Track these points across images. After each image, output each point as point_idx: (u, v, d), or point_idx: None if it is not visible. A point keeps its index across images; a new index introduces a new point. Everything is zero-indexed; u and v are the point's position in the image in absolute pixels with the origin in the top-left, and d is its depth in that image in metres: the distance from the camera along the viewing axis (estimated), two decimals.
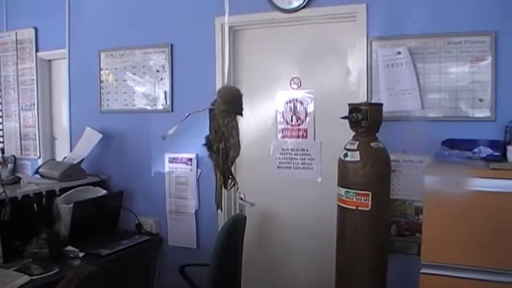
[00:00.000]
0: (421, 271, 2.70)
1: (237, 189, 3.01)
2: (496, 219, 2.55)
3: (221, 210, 3.06)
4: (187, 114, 3.31)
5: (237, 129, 2.84)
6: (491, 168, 2.60)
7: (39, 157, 4.93)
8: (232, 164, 2.90)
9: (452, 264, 2.63)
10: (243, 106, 2.91)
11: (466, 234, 2.61)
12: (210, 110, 2.94)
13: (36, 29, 4.85)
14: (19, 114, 5.06)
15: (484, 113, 3.15)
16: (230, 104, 2.81)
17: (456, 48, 3.20)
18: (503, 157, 2.82)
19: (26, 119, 5.02)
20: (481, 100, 3.16)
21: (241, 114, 2.87)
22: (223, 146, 2.81)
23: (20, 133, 5.07)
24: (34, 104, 4.94)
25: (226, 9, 3.13)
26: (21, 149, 5.06)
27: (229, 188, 3.01)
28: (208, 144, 2.92)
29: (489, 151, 2.91)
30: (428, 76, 3.29)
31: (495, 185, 2.53)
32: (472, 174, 2.60)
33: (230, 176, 2.92)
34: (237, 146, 2.82)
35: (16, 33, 4.97)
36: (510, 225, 2.52)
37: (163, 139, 3.25)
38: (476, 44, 3.15)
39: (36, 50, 4.87)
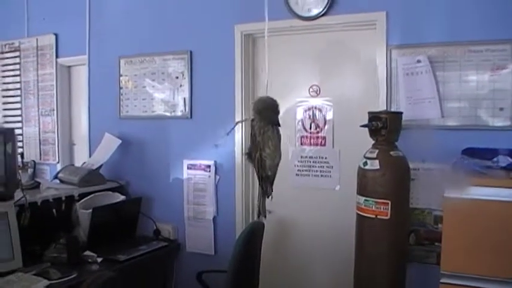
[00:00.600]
0: (441, 281, 2.68)
1: (271, 199, 3.01)
2: None
3: (264, 217, 3.05)
4: (235, 123, 3.41)
5: (273, 139, 2.81)
6: None
7: (58, 162, 4.97)
8: (272, 173, 2.87)
9: (472, 275, 2.60)
10: (278, 115, 2.89)
11: (486, 244, 2.58)
12: (252, 120, 2.95)
13: (56, 35, 4.89)
14: (39, 119, 5.10)
15: (504, 122, 3.13)
16: (262, 114, 2.81)
17: (476, 57, 3.18)
18: None
19: (45, 124, 5.06)
20: (501, 109, 3.13)
21: (277, 124, 2.86)
22: (259, 155, 2.82)
23: (40, 138, 5.11)
24: (53, 110, 4.98)
25: (266, 15, 3.14)
26: (40, 154, 5.10)
27: (268, 195, 3.01)
28: (248, 154, 2.93)
29: (509, 160, 2.89)
30: (448, 84, 3.27)
31: None
32: (493, 183, 2.58)
33: (269, 185, 2.92)
34: (274, 155, 2.82)
35: (37, 40, 5.02)
36: None
37: (216, 147, 3.23)
38: (497, 52, 3.13)
39: (57, 56, 4.91)
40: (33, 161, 4.57)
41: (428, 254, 3.32)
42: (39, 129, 5.10)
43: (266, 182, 2.90)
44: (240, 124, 3.88)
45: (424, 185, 3.32)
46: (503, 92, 3.12)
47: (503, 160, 2.91)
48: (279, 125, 2.89)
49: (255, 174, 3.00)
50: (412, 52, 3.34)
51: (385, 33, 3.41)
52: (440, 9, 3.27)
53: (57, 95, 4.96)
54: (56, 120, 4.98)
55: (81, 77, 4.85)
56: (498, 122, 3.15)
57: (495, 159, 2.93)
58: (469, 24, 3.20)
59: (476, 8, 3.18)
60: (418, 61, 3.31)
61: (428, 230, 3.33)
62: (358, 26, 3.57)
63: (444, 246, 2.72)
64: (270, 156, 2.79)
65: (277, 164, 2.90)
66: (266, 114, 2.81)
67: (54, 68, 4.93)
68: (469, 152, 3.03)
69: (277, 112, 2.87)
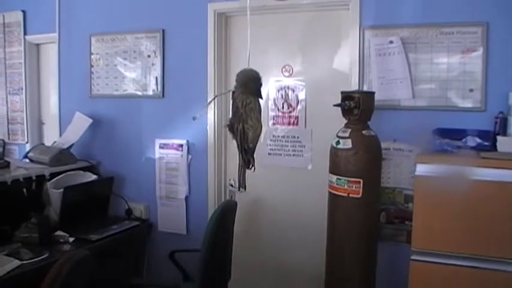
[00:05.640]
0: (412, 258, 2.75)
1: (254, 170, 3.00)
2: (486, 207, 2.59)
3: (244, 189, 3.05)
4: (213, 97, 3.31)
5: (255, 110, 2.81)
6: (482, 158, 2.64)
7: (27, 142, 4.90)
8: (253, 145, 2.88)
9: (442, 252, 2.68)
10: (261, 88, 2.89)
11: (455, 222, 2.65)
12: (233, 93, 2.94)
13: (24, 12, 4.79)
14: (6, 98, 5.02)
15: (474, 103, 3.18)
16: (247, 86, 2.80)
17: (448, 39, 3.22)
18: (493, 147, 2.86)
19: (13, 103, 4.98)
20: (471, 90, 3.18)
21: (259, 96, 2.87)
22: (241, 127, 2.82)
23: (8, 117, 5.03)
24: (22, 88, 4.90)
25: None
26: (8, 134, 5.02)
27: (250, 167, 3.00)
28: (230, 126, 2.92)
29: (477, 141, 2.95)
30: (420, 66, 3.31)
31: (485, 174, 2.58)
32: (463, 163, 2.64)
33: (251, 157, 2.92)
34: (256, 127, 2.82)
35: (3, 16, 4.91)
36: (499, 213, 2.57)
37: (194, 119, 3.19)
38: (468, 34, 3.17)
39: (25, 34, 4.82)
40: (3, 140, 4.50)
41: (398, 233, 3.38)
42: (7, 108, 5.02)
43: (247, 153, 2.90)
44: (213, 103, 3.88)
45: (395, 164, 3.37)
46: (473, 74, 3.17)
47: (471, 140, 2.97)
48: (261, 97, 2.89)
49: (236, 146, 2.97)
50: (385, 33, 3.36)
51: (358, 14, 3.42)
52: None
53: (25, 73, 4.88)
54: (24, 99, 4.91)
55: (50, 55, 4.77)
56: (468, 103, 3.20)
57: (464, 139, 2.99)
58: (441, 6, 3.23)
59: None
60: (391, 42, 3.34)
61: (398, 208, 3.39)
62: (332, 6, 3.58)
63: (415, 224, 2.78)
64: (253, 127, 2.79)
65: (259, 135, 2.90)
66: (251, 86, 2.80)
67: (23, 45, 4.84)
68: (439, 132, 3.08)
69: (261, 84, 2.85)
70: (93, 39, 4.38)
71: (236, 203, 3.53)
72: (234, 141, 2.96)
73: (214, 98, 3.30)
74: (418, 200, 2.78)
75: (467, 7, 3.17)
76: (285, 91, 3.82)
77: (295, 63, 3.79)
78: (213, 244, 3.13)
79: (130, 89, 4.25)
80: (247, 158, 2.91)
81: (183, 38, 4.03)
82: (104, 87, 4.36)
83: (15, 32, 4.86)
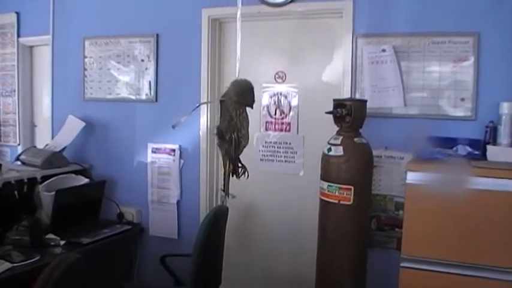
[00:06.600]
0: (401, 265, 2.77)
1: (247, 177, 3.03)
2: (476, 215, 2.62)
3: (228, 196, 3.11)
4: (197, 105, 3.36)
5: (247, 120, 2.86)
6: (473, 166, 2.67)
7: (19, 144, 4.88)
8: (241, 153, 2.92)
9: (431, 259, 2.70)
10: (254, 98, 2.93)
11: (445, 230, 2.68)
12: (221, 102, 2.96)
13: (18, 14, 4.77)
14: None
15: (465, 112, 3.21)
16: (242, 96, 2.84)
17: (440, 48, 3.26)
18: (483, 156, 2.89)
19: (5, 105, 4.97)
20: (462, 99, 3.21)
21: (251, 107, 2.90)
22: (235, 136, 2.85)
23: (0, 119, 5.01)
24: (15, 91, 4.88)
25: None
26: (0, 136, 5.00)
27: (239, 176, 3.02)
28: (220, 134, 2.94)
29: (468, 149, 2.98)
30: (412, 74, 3.33)
31: (476, 183, 2.60)
32: (454, 171, 2.67)
33: (240, 165, 2.95)
34: (247, 136, 2.87)
35: None
36: (489, 222, 2.60)
37: (173, 128, 3.23)
38: (460, 44, 3.20)
39: (18, 36, 4.80)
40: None
41: (389, 240, 3.40)
42: (0, 110, 5.00)
43: (236, 161, 2.93)
44: (206, 109, 3.89)
45: (386, 172, 3.39)
46: (465, 83, 3.20)
47: (462, 149, 3.00)
48: (252, 107, 2.93)
49: (226, 154, 2.99)
50: (378, 41, 3.39)
51: (351, 22, 3.45)
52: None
53: (18, 75, 4.86)
54: (17, 101, 4.89)
55: (43, 58, 4.75)
56: (459, 112, 3.23)
57: (454, 148, 3.01)
58: (433, 16, 3.27)
59: (442, 0, 3.25)
60: (383, 50, 3.36)
61: (389, 216, 3.41)
62: (325, 13, 3.61)
63: (405, 231, 2.81)
64: (245, 136, 2.83)
65: (247, 144, 2.93)
66: (246, 96, 2.84)
67: (16, 47, 4.82)
68: (430, 141, 3.10)
69: (253, 94, 2.89)
70: (86, 43, 4.38)
71: (228, 209, 3.53)
72: (221, 150, 2.99)
73: (197, 106, 3.33)
74: (409, 208, 2.81)
75: (459, 17, 3.21)
76: (278, 97, 3.84)
77: (288, 70, 3.81)
78: (205, 249, 3.14)
79: (124, 93, 4.26)
80: (236, 166, 2.94)
81: (177, 43, 4.04)
82: (97, 91, 4.36)
83: (9, 33, 4.84)
